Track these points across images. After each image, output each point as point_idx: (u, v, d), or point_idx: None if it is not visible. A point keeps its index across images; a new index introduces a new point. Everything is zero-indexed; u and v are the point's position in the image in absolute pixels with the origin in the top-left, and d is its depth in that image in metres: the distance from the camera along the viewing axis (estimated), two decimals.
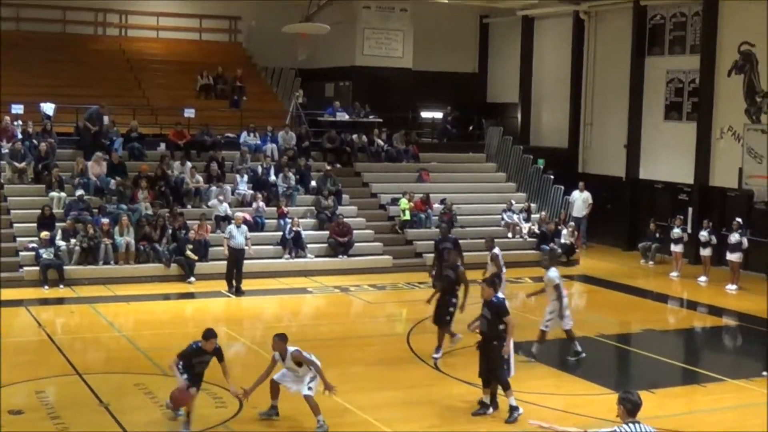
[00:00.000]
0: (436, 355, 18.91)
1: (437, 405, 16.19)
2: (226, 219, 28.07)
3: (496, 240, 29.13)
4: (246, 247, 25.75)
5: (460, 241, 30.31)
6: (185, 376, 14.34)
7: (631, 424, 9.17)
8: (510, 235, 31.85)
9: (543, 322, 19.24)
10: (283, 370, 14.82)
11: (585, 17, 36.87)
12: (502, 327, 15.29)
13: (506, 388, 15.33)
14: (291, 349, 14.54)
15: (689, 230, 30.83)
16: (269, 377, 14.83)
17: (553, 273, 19.19)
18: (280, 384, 14.83)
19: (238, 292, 25.52)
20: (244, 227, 26.06)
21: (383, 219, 31.89)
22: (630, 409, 9.30)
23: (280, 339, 14.68)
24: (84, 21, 37.56)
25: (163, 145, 31.47)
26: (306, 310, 25.40)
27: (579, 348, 19.22)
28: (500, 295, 15.91)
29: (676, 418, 15.74)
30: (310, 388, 14.41)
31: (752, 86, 30.57)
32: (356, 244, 29.58)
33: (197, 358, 14.40)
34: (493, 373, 15.34)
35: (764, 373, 17.96)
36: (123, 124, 31.39)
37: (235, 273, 25.65)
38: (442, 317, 19.07)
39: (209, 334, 14.40)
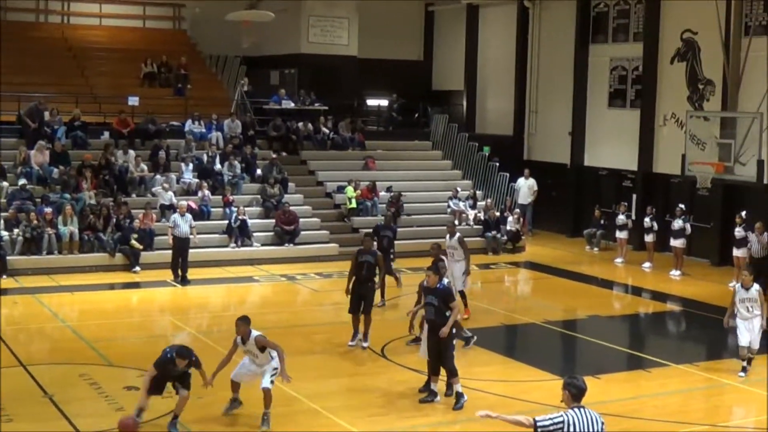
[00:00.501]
0: (365, 344, 18.87)
1: (384, 392, 16.20)
2: (171, 208, 27.87)
3: (442, 227, 29.29)
4: (191, 236, 25.60)
5: (406, 229, 30.55)
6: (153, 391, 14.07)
7: (576, 409, 9.22)
8: (456, 222, 31.92)
9: (458, 284, 19.83)
10: (239, 366, 14.61)
11: (529, 5, 36.99)
12: (449, 313, 15.32)
13: (454, 374, 15.37)
14: (255, 333, 14.33)
15: (633, 216, 31.10)
16: (230, 361, 14.61)
17: (456, 237, 20.82)
18: (240, 382, 14.70)
19: (184, 281, 25.39)
20: (189, 216, 25.89)
21: (329, 207, 31.86)
22: (575, 394, 9.35)
23: (243, 322, 14.40)
24: (25, 8, 37.05)
25: (107, 134, 31.15)
26: (252, 298, 25.32)
27: (468, 333, 19.12)
28: (444, 281, 15.94)
29: (621, 403, 15.90)
30: (271, 382, 14.21)
31: (695, 73, 30.85)
32: (302, 233, 29.51)
33: (169, 366, 13.96)
34: (443, 360, 15.37)
35: (741, 374, 17.65)
36: (66, 112, 30.97)
37: (180, 262, 25.51)
38: (370, 306, 18.99)
39: (184, 353, 13.93)
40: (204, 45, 38.52)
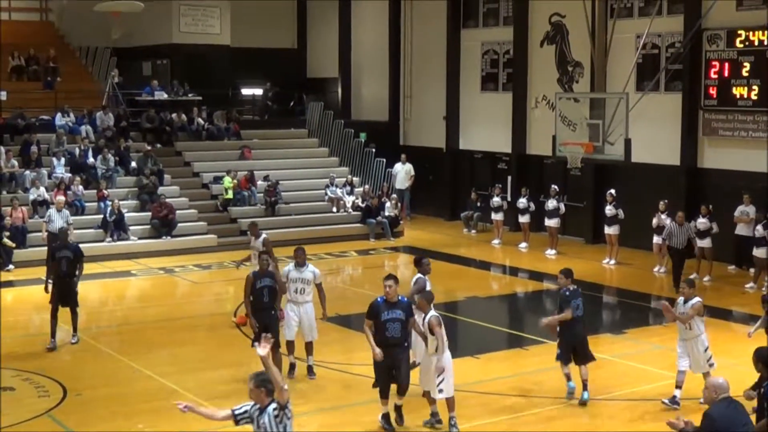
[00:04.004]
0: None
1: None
2: (44, 203, 27.33)
3: (320, 215, 29.29)
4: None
5: (284, 218, 30.54)
6: None
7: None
8: (334, 209, 32.02)
9: None
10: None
11: None
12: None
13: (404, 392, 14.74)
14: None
15: (509, 198, 31.60)
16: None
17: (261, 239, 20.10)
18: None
19: None
20: (66, 212, 25.55)
21: (206, 198, 31.62)
22: (271, 389, 9.32)
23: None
24: None
25: None
26: (131, 293, 24.98)
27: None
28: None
29: (502, 381, 16.21)
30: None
31: (564, 56, 31.46)
32: (180, 224, 29.26)
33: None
34: (404, 378, 14.27)
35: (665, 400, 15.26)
36: None
37: None
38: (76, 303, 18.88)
39: None
40: (73, 37, 37.78)
